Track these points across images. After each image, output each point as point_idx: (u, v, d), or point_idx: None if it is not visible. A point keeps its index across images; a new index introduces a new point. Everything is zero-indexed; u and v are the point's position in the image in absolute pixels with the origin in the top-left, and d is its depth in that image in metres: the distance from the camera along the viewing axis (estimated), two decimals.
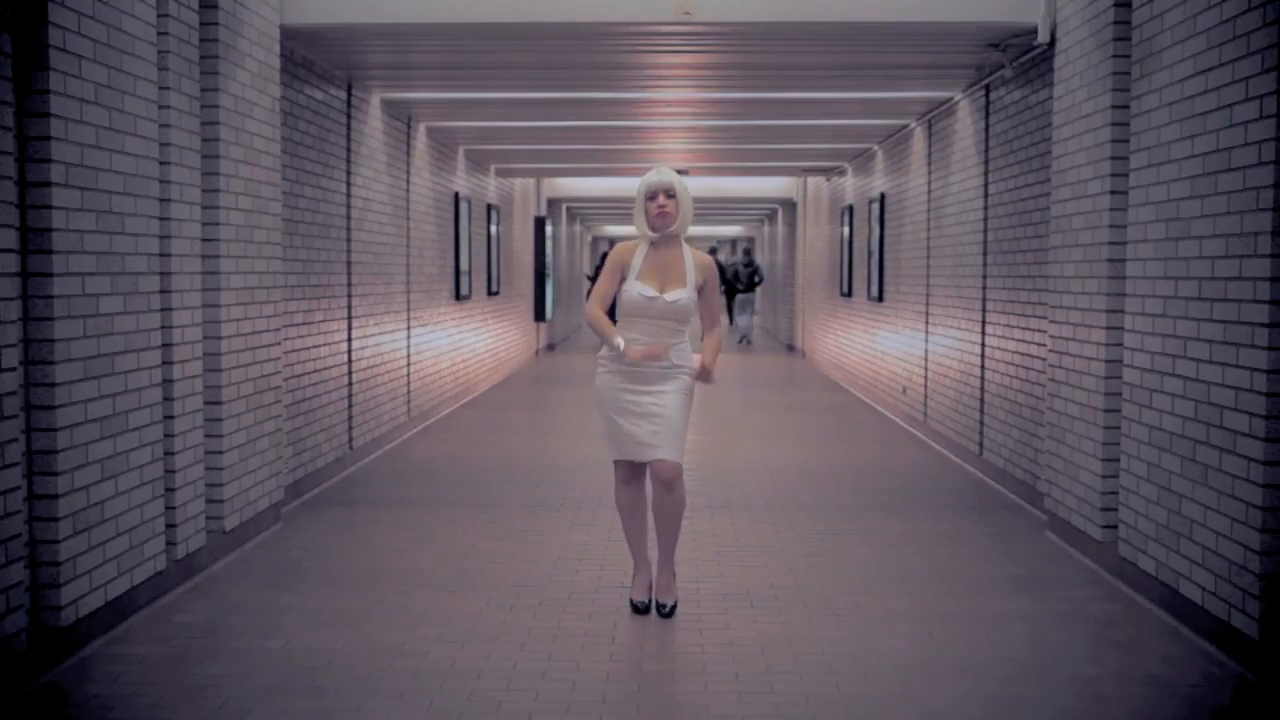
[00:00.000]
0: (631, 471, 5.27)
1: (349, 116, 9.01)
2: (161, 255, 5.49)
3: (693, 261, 5.20)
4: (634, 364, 5.08)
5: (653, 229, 5.14)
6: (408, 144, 10.99)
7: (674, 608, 5.23)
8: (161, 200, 5.48)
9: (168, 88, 5.52)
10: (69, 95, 4.62)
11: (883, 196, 12.87)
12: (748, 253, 25.85)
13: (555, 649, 4.79)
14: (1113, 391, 6.00)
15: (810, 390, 15.36)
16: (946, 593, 5.61)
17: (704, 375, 5.24)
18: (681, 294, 5.11)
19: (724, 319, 5.55)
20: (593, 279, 34.25)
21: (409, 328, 10.84)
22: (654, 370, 5.11)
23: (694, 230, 33.23)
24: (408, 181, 10.94)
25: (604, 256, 16.21)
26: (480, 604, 5.39)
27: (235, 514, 6.27)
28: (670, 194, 5.12)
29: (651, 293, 5.09)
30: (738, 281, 24.08)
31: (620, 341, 5.06)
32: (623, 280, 5.16)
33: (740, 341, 23.87)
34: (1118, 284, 5.95)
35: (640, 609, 5.25)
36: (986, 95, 8.79)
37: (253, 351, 6.48)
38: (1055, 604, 5.48)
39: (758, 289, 25.54)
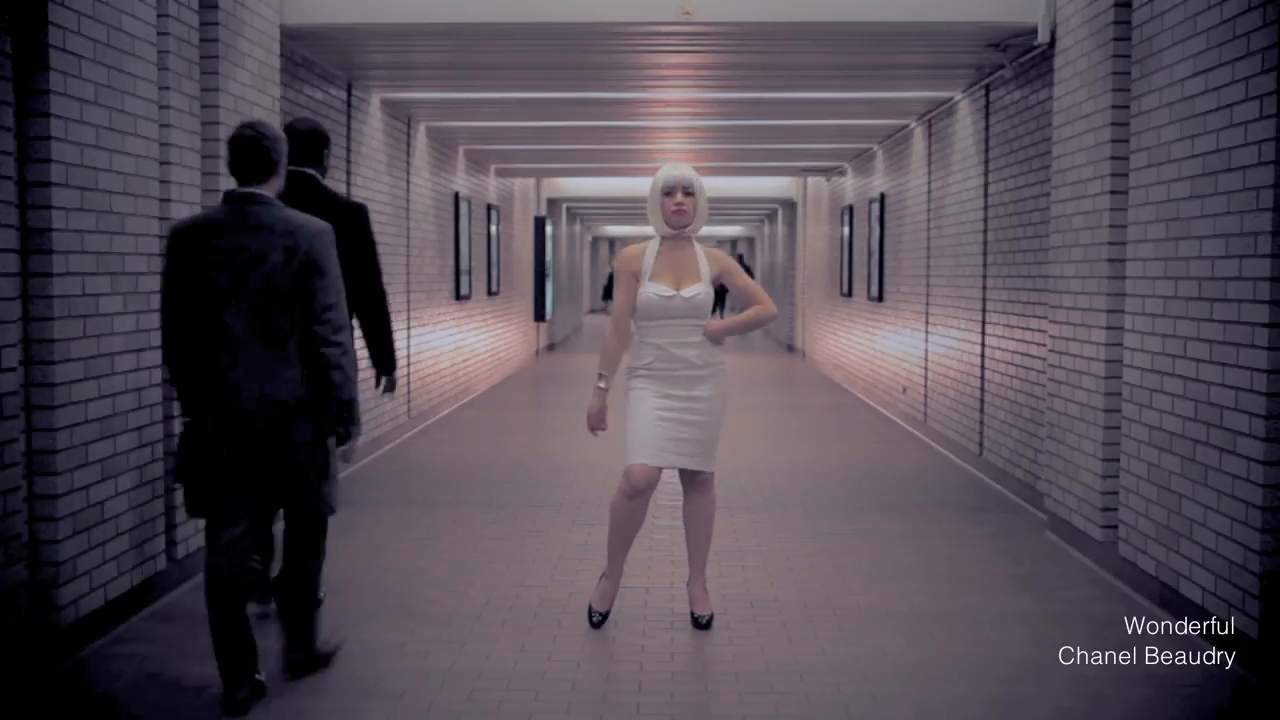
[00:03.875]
0: (645, 482, 4.88)
1: (349, 116, 9.01)
2: (162, 255, 5.48)
3: (705, 256, 5.03)
4: (660, 367, 4.95)
5: (669, 226, 4.97)
6: (408, 144, 10.99)
7: (711, 619, 5.11)
8: (161, 200, 5.47)
9: (168, 88, 5.51)
10: (69, 95, 4.61)
11: (883, 196, 12.87)
12: (738, 257, 27.31)
13: (555, 649, 4.79)
14: (1113, 391, 6.00)
15: (810, 390, 15.36)
16: (946, 593, 5.61)
17: (713, 329, 4.99)
18: (698, 288, 4.94)
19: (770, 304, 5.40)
20: (606, 290, 33.99)
21: (409, 327, 10.84)
22: (689, 374, 4.94)
23: None
24: (408, 181, 10.94)
25: (610, 277, 16.10)
26: (480, 604, 5.39)
27: None
28: (689, 191, 4.95)
29: (668, 292, 4.92)
30: None
31: (603, 384, 4.97)
32: (638, 284, 4.96)
33: None
34: (1118, 284, 5.95)
35: (599, 621, 5.07)
36: (986, 95, 8.79)
37: None
38: (1055, 604, 5.48)
39: None
